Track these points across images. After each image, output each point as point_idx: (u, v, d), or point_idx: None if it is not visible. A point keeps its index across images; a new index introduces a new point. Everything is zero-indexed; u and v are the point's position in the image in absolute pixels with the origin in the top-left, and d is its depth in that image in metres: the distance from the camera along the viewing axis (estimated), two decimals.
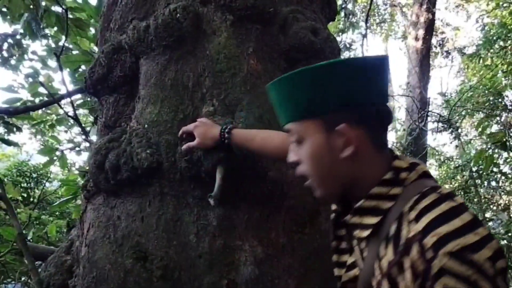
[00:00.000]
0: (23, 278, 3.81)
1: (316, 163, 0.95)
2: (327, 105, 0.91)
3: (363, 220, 0.90)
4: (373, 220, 0.89)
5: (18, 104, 3.69)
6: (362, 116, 0.92)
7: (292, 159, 1.00)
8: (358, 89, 0.91)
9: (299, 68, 0.92)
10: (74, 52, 4.07)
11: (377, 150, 0.94)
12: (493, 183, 8.45)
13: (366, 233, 0.89)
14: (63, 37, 3.58)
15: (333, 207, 1.09)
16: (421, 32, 9.22)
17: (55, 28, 4.03)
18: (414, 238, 0.77)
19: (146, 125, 1.65)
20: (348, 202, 1.01)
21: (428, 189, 0.86)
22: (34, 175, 8.08)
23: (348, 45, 9.22)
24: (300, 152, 0.98)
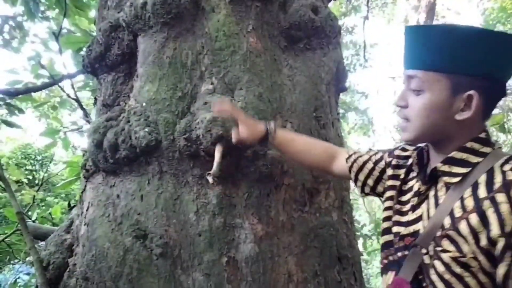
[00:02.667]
0: (28, 258, 3.85)
1: (428, 115, 1.00)
2: (465, 67, 0.96)
3: (453, 169, 0.99)
4: (462, 170, 0.98)
5: (20, 86, 3.67)
6: (488, 89, 0.97)
7: (401, 103, 1.06)
8: (496, 62, 0.96)
9: (450, 23, 0.96)
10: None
11: (483, 120, 1.02)
12: None
13: (455, 179, 0.98)
14: (64, 18, 3.54)
15: (391, 182, 1.19)
16: (422, 16, 9.10)
17: (57, 11, 4.00)
18: None
19: (144, 104, 1.63)
20: (421, 161, 1.11)
21: None
22: (39, 157, 8.14)
23: (350, 29, 9.11)
24: (414, 100, 1.03)
